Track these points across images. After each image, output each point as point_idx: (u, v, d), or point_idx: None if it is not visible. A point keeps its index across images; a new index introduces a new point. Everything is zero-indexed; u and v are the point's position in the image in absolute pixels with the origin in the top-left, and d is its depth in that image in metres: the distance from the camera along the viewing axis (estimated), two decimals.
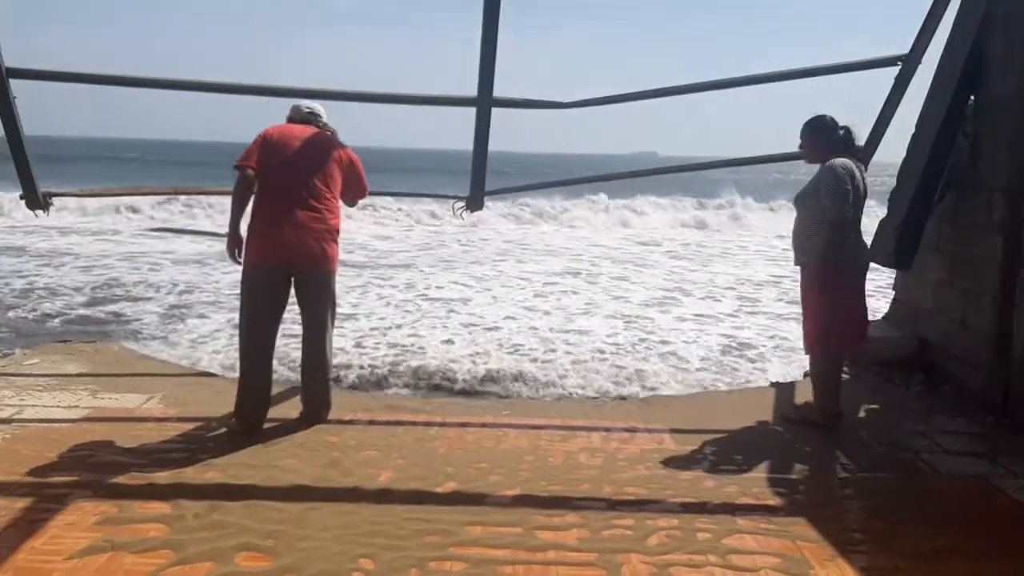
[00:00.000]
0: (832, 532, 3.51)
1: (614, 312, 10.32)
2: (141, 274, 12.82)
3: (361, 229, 21.17)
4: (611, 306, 10.85)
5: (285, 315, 4.66)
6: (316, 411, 4.77)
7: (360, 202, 5.22)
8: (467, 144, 6.18)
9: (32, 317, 9.32)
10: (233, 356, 7.27)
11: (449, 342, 8.19)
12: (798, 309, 5.16)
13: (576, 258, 16.77)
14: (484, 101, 5.90)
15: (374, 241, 19.36)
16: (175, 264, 14.25)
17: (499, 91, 5.91)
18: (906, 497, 3.97)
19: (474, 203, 6.56)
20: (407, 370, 6.82)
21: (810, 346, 4.93)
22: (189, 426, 4.66)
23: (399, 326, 9.11)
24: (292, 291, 4.63)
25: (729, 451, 4.48)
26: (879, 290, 9.00)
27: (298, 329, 4.83)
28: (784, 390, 5.82)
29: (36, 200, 6.00)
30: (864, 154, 6.15)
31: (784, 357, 7.70)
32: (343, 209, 4.84)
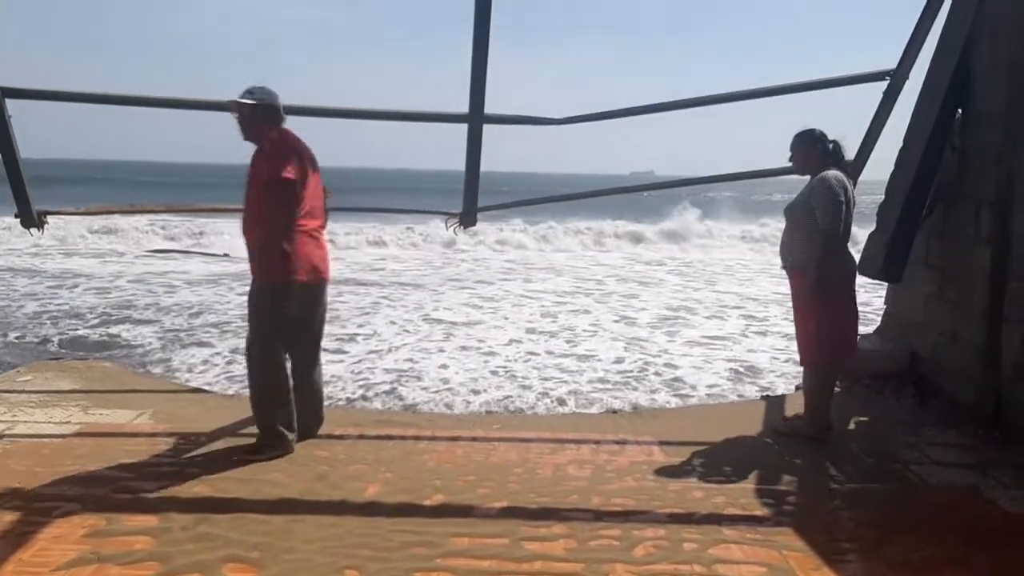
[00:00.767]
0: (819, 542, 3.51)
1: (619, 334, 10.32)
2: (155, 296, 12.96)
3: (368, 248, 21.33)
4: (617, 328, 10.85)
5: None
6: (310, 426, 4.77)
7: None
8: (462, 163, 6.22)
9: (39, 339, 9.37)
10: (228, 375, 7.29)
11: (444, 367, 8.20)
12: None
13: (581, 277, 16.87)
14: (475, 117, 5.94)
15: (382, 260, 19.53)
16: (190, 285, 14.40)
17: (495, 110, 5.96)
18: (895, 507, 3.97)
19: (467, 219, 6.59)
20: (398, 406, 6.86)
21: (804, 356, 4.94)
22: (178, 441, 4.66)
23: (399, 347, 9.16)
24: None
25: (718, 462, 4.48)
26: (862, 304, 9.08)
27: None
28: (774, 403, 5.82)
29: (31, 219, 6.03)
30: (854, 168, 6.19)
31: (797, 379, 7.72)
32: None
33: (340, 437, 4.80)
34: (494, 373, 8.07)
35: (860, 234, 5.61)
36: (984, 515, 3.89)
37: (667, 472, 4.32)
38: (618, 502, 3.90)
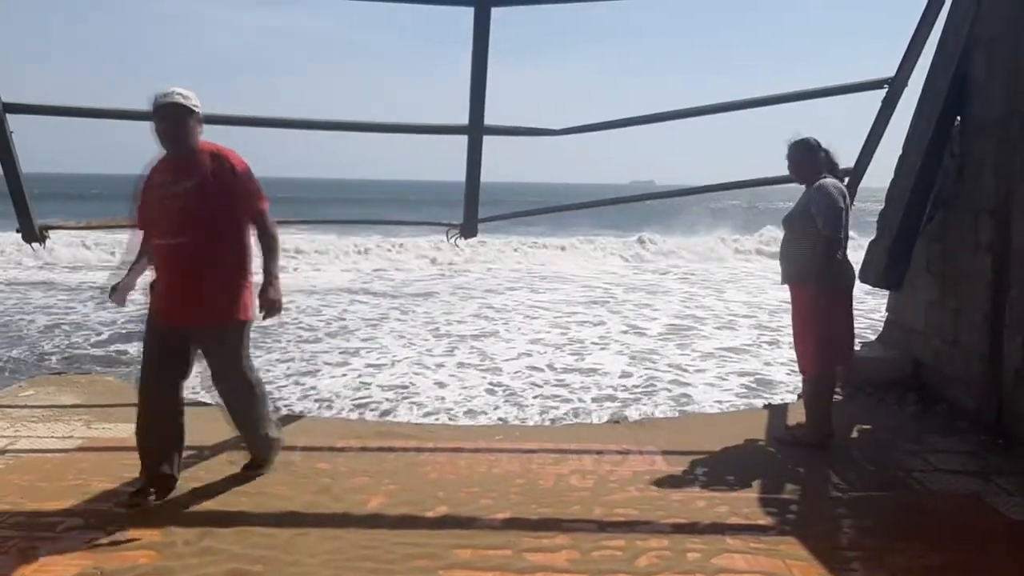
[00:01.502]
0: (822, 551, 3.50)
1: (628, 346, 10.26)
2: None
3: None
4: (626, 339, 10.80)
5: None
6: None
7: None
8: (462, 174, 6.24)
9: (43, 354, 9.40)
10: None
11: (442, 385, 8.16)
12: None
13: (588, 286, 16.91)
14: (476, 129, 5.96)
15: (392, 272, 19.65)
16: None
17: (495, 122, 5.98)
18: (898, 515, 3.96)
19: (468, 230, 6.60)
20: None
21: (804, 366, 4.94)
22: (183, 454, 4.66)
23: (400, 360, 9.15)
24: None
25: (720, 472, 4.48)
26: (866, 311, 9.06)
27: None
28: (776, 412, 5.81)
29: (33, 233, 6.05)
30: (853, 176, 6.21)
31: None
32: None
33: (342, 449, 4.80)
34: (491, 391, 7.99)
35: (860, 241, 5.62)
36: (987, 522, 3.88)
37: (670, 482, 4.32)
38: (621, 512, 3.89)
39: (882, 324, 6.84)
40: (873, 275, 5.95)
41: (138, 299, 4.12)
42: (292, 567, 3.31)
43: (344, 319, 12.58)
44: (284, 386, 8.15)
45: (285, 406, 7.41)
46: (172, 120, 3.79)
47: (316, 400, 7.59)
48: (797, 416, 5.44)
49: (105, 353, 9.76)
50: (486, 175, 6.21)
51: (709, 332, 11.58)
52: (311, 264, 21.65)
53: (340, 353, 9.43)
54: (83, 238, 22.99)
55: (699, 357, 9.83)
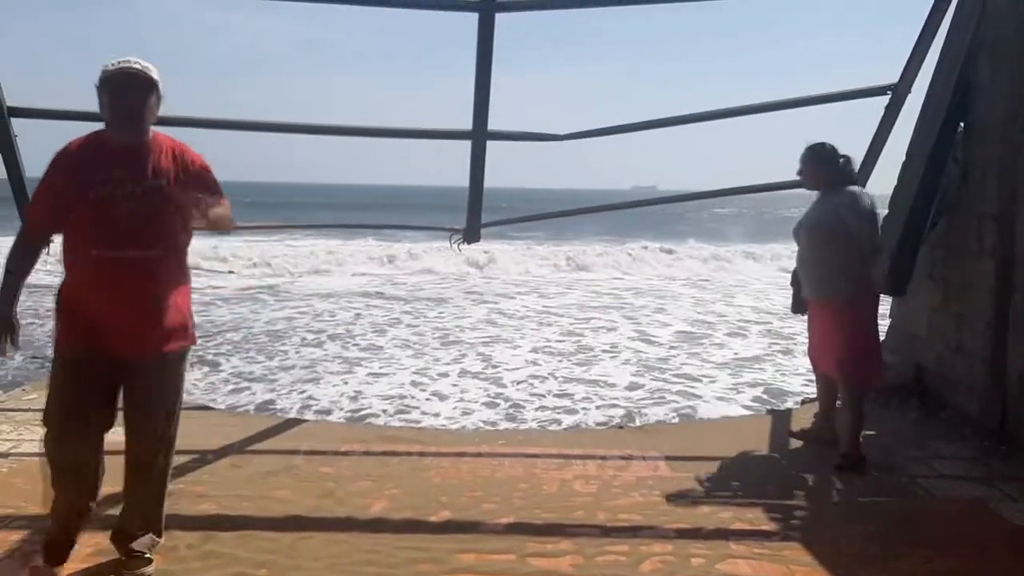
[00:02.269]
0: (827, 557, 3.49)
1: (638, 354, 10.16)
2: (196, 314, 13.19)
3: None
4: (635, 347, 10.71)
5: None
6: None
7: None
8: (466, 179, 6.24)
9: (50, 358, 9.41)
10: (233, 394, 7.28)
11: (441, 399, 8.02)
12: None
13: (598, 292, 16.94)
14: (479, 134, 5.97)
15: (406, 275, 19.73)
16: (225, 302, 14.66)
17: (498, 127, 5.99)
18: (902, 521, 3.95)
19: (471, 235, 6.61)
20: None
21: (850, 374, 4.69)
22: (184, 458, 4.63)
23: (404, 368, 9.11)
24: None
25: (724, 477, 4.47)
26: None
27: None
28: (780, 418, 5.81)
29: None
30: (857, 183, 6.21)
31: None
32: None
33: (345, 453, 4.80)
34: (491, 404, 7.83)
35: None
36: (991, 528, 3.88)
37: (674, 487, 4.31)
38: (625, 518, 3.89)
39: (885, 330, 6.83)
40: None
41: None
42: (295, 571, 3.30)
43: (353, 324, 12.61)
44: (286, 394, 8.10)
45: (280, 411, 7.40)
46: (135, 95, 3.04)
47: (316, 412, 7.53)
48: (800, 422, 5.44)
49: None
50: (489, 181, 6.22)
51: (721, 339, 11.51)
52: (324, 267, 21.72)
53: (342, 362, 9.42)
54: None
55: (711, 367, 9.66)
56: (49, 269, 3.74)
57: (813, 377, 5.15)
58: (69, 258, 3.11)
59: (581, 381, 8.78)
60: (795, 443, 5.14)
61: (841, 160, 4.78)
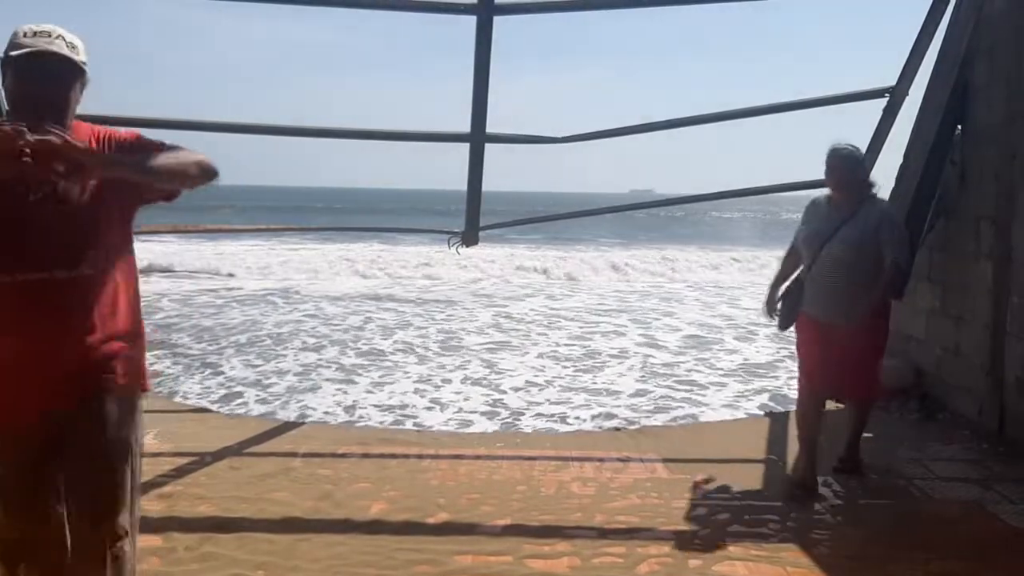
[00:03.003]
0: (824, 558, 3.50)
1: (644, 360, 10.06)
2: (194, 318, 13.29)
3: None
4: (643, 352, 10.64)
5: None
6: None
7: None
8: (463, 183, 6.24)
9: None
10: (229, 397, 7.27)
11: (441, 408, 7.90)
12: None
13: (603, 295, 16.96)
14: (477, 136, 5.97)
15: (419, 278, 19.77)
16: (240, 303, 14.81)
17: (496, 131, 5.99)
18: (900, 523, 3.95)
19: (469, 238, 6.62)
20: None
21: (868, 394, 4.58)
22: (183, 460, 4.66)
23: (407, 376, 9.06)
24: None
25: (722, 479, 4.47)
26: None
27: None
28: (778, 419, 5.81)
29: None
30: None
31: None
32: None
33: (344, 455, 4.81)
34: (490, 415, 7.63)
35: None
36: (989, 530, 3.88)
37: (671, 489, 4.32)
38: (622, 519, 3.89)
39: None
40: None
41: None
42: (293, 572, 3.31)
43: (361, 329, 12.62)
44: (286, 402, 8.05)
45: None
46: (54, 79, 2.26)
47: (313, 422, 7.47)
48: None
49: None
50: (486, 184, 6.23)
51: (731, 344, 11.39)
52: (332, 270, 21.80)
53: (342, 370, 9.40)
54: None
55: (720, 374, 9.41)
56: None
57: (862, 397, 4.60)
58: None
59: (584, 389, 8.61)
60: (792, 445, 5.13)
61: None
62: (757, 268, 23.30)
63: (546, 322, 13.47)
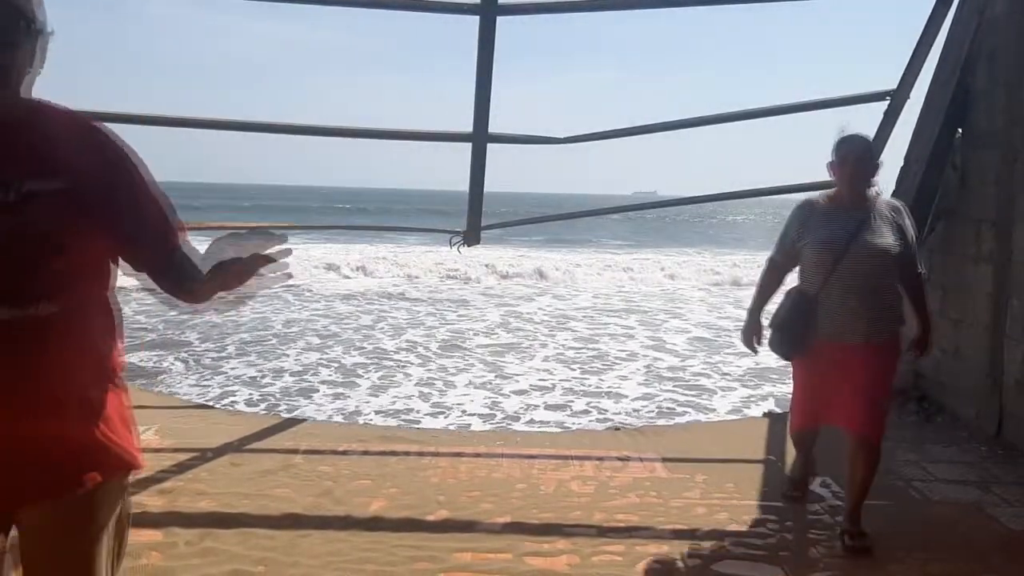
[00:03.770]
0: (823, 558, 3.52)
1: (651, 364, 10.02)
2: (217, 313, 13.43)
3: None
4: (650, 356, 10.57)
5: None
6: None
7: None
8: (464, 183, 6.26)
9: None
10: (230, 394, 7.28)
11: (442, 414, 7.85)
12: None
13: (610, 297, 16.98)
14: (480, 136, 5.99)
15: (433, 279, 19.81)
16: (253, 300, 14.92)
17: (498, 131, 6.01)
18: (898, 524, 3.96)
19: (471, 238, 6.63)
20: None
21: (881, 427, 3.70)
22: (184, 456, 4.68)
23: (411, 377, 9.03)
24: None
25: (721, 479, 4.49)
26: None
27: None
28: (776, 420, 5.82)
29: None
30: None
31: None
32: None
33: (344, 452, 4.82)
34: (487, 418, 7.54)
35: None
36: (987, 532, 3.89)
37: (670, 488, 4.33)
38: (621, 518, 3.91)
39: None
40: None
41: None
42: (293, 568, 3.33)
43: (371, 328, 12.67)
44: (277, 403, 8.05)
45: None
46: None
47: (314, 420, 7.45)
48: None
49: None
50: (489, 185, 6.24)
51: (742, 347, 11.27)
52: (343, 268, 21.87)
53: (338, 370, 9.41)
54: None
55: (727, 379, 9.39)
56: None
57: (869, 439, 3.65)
58: None
59: (588, 393, 8.60)
60: (791, 446, 5.14)
61: None
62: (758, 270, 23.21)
63: (553, 323, 13.49)
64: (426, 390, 8.66)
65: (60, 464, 1.68)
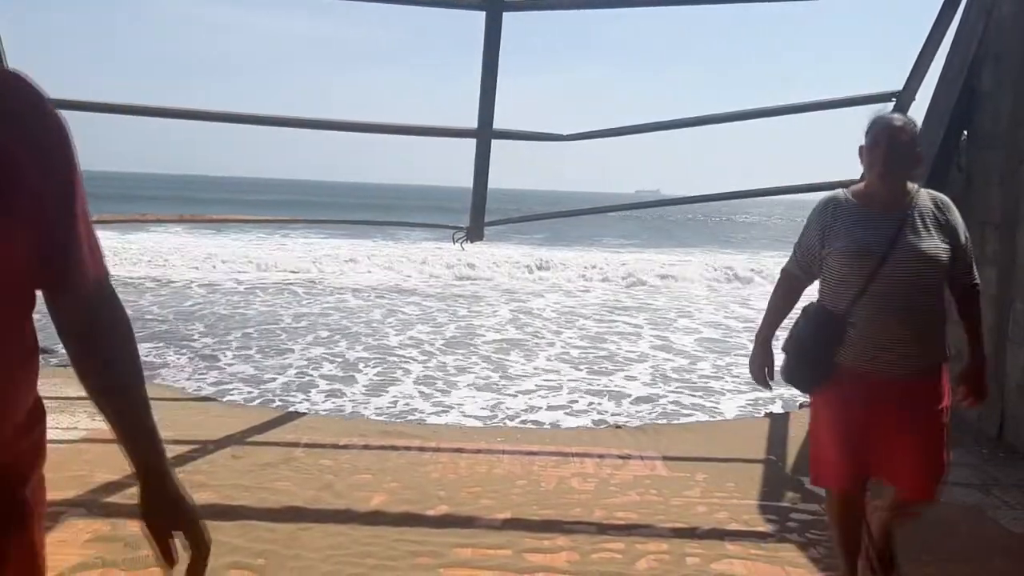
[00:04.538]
0: (822, 558, 3.51)
1: (659, 364, 9.93)
2: (215, 306, 13.56)
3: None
4: (659, 356, 10.53)
5: None
6: None
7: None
8: (469, 180, 6.26)
9: (53, 348, 9.43)
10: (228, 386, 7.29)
11: (444, 411, 7.67)
12: None
13: (613, 293, 17.02)
14: (484, 132, 5.99)
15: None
16: (264, 293, 15.42)
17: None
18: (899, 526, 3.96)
19: (474, 234, 6.63)
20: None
21: (939, 482, 3.10)
22: (185, 448, 4.69)
23: (408, 375, 9.02)
24: None
25: (721, 479, 4.48)
26: None
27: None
28: (778, 420, 5.82)
29: None
30: None
31: None
32: None
33: (345, 447, 4.83)
34: (491, 418, 7.35)
35: None
36: (988, 534, 3.89)
37: (670, 487, 4.33)
38: (621, 516, 3.91)
39: None
40: None
41: None
42: (293, 561, 3.33)
43: (380, 322, 12.69)
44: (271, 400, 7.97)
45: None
46: None
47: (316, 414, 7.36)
48: (798, 425, 5.41)
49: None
50: (493, 182, 6.24)
51: (745, 346, 11.20)
52: (355, 263, 21.90)
53: (339, 365, 9.39)
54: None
55: (737, 383, 9.04)
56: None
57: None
58: None
59: (592, 392, 8.48)
60: (794, 446, 5.14)
61: None
62: (767, 272, 23.22)
63: (562, 320, 13.49)
64: (431, 387, 8.62)
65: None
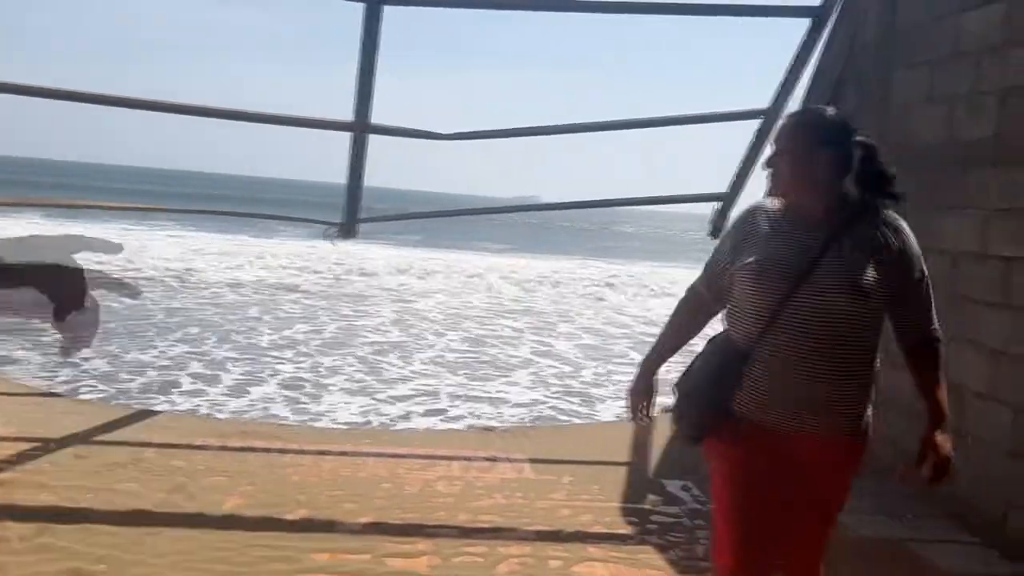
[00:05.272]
0: (679, 561, 3.57)
1: (541, 369, 9.89)
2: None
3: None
4: (541, 361, 10.51)
5: None
6: None
7: None
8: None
9: None
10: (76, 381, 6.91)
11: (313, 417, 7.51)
12: None
13: (496, 298, 17.06)
14: (360, 126, 5.84)
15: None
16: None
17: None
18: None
19: (347, 231, 6.47)
20: None
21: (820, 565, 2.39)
22: (25, 446, 4.39)
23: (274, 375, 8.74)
24: None
25: (587, 481, 4.51)
26: None
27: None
28: (643, 425, 5.90)
29: None
30: (726, 202, 6.40)
31: None
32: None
33: (200, 447, 4.62)
34: (365, 420, 7.32)
35: None
36: (913, 570, 3.80)
37: (536, 490, 4.33)
38: (485, 519, 3.88)
39: None
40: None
41: None
42: (136, 567, 3.15)
43: (257, 318, 12.26)
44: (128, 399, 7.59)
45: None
46: None
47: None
48: (663, 429, 5.45)
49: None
50: (371, 180, 6.10)
51: (633, 356, 11.36)
52: (235, 257, 21.15)
53: (210, 364, 9.04)
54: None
55: (617, 388, 9.07)
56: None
57: None
58: None
59: (470, 398, 8.45)
60: (657, 450, 5.21)
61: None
62: (640, 282, 23.76)
63: (446, 321, 13.41)
64: (299, 396, 8.35)
65: None
